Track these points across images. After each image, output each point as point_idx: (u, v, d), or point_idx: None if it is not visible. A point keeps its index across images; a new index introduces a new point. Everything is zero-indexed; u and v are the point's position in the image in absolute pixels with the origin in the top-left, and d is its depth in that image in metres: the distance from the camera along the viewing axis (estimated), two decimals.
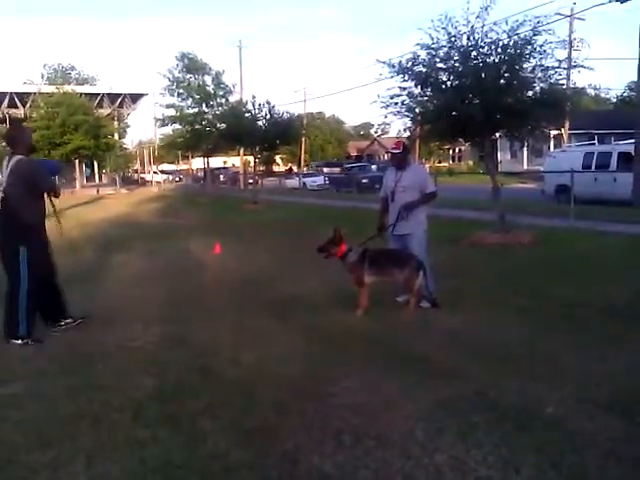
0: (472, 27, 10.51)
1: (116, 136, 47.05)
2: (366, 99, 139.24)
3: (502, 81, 10.52)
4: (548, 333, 5.32)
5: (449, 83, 10.92)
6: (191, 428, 3.58)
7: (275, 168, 57.80)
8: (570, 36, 27.84)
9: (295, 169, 62.76)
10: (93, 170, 56.99)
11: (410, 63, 10.94)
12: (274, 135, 24.28)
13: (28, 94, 48.73)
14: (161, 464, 3.15)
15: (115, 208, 24.77)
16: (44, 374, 4.68)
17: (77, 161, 42.09)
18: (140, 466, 3.14)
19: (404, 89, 11.29)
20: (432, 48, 10.71)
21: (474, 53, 10.60)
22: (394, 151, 6.63)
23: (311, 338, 5.41)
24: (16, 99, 52.58)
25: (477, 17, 10.47)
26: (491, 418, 3.54)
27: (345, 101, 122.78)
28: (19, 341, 5.46)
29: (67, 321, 5.95)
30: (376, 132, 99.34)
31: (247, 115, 24.97)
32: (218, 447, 3.33)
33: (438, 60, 10.81)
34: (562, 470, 2.94)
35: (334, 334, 5.52)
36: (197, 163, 68.55)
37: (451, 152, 63.41)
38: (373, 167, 43.19)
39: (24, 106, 50.20)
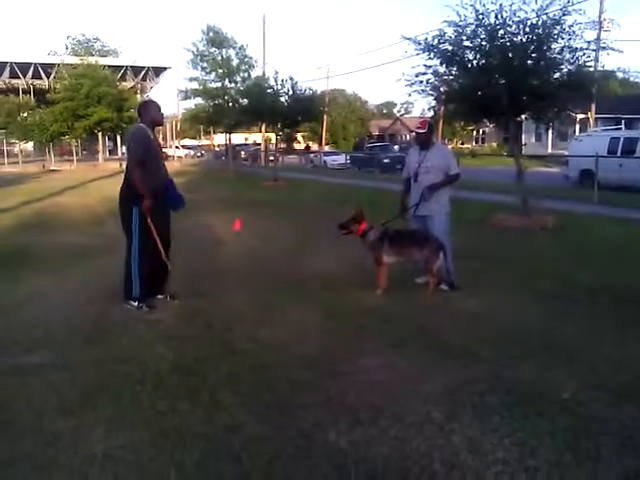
0: (500, 5, 10.33)
1: None
2: (389, 77, 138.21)
3: (529, 62, 10.34)
4: (567, 318, 5.29)
5: (475, 62, 10.75)
6: (210, 401, 3.64)
7: (296, 146, 57.71)
8: (600, 16, 27.32)
9: (314, 147, 62.56)
10: (116, 143, 57.31)
11: (436, 40, 10.78)
12: (296, 112, 24.15)
13: (52, 65, 48.92)
14: (180, 435, 3.21)
15: None
16: (67, 345, 4.78)
17: (100, 134, 42.28)
18: (159, 436, 3.21)
19: (429, 67, 11.14)
20: (459, 25, 10.53)
21: (501, 32, 10.39)
22: (419, 130, 6.52)
23: (329, 316, 5.44)
24: (40, 70, 52.83)
25: None
26: (507, 401, 3.55)
27: (368, 79, 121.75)
28: (135, 303, 5.68)
29: (159, 297, 6.02)
30: (399, 111, 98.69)
31: (269, 91, 24.85)
32: (236, 420, 3.39)
33: (465, 38, 10.63)
34: (578, 455, 2.95)
35: (352, 313, 5.54)
36: (219, 139, 68.61)
37: (475, 133, 62.68)
38: (395, 147, 42.91)
39: (48, 77, 50.43)
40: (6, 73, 53.28)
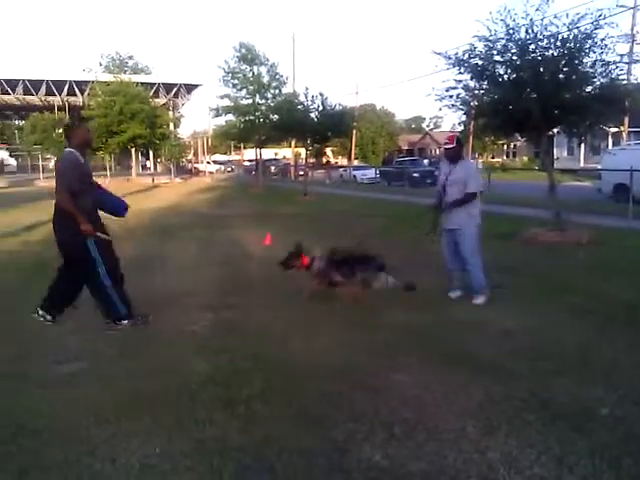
0: (531, 20, 10.28)
1: (171, 126, 47.82)
2: (419, 92, 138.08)
3: (561, 76, 10.26)
4: (603, 334, 5.21)
5: (506, 76, 10.71)
6: (245, 412, 3.68)
7: (325, 160, 57.84)
8: (632, 29, 26.97)
9: (336, 162, 62.62)
10: (148, 159, 58.19)
11: (467, 55, 10.78)
12: (326, 127, 24.32)
13: (86, 82, 49.98)
14: (218, 446, 3.25)
15: (169, 197, 25.28)
16: (103, 355, 4.88)
17: (133, 150, 42.98)
18: (197, 447, 3.25)
19: (460, 81, 11.14)
20: (489, 40, 10.52)
21: (532, 46, 10.35)
22: (447, 146, 6.59)
23: (360, 330, 5.45)
24: (75, 87, 54.01)
25: (537, 9, 10.25)
26: (544, 417, 3.51)
27: (397, 94, 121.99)
28: (125, 322, 5.62)
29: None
30: (428, 126, 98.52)
31: (300, 107, 25.06)
32: (270, 432, 3.41)
33: (495, 53, 10.61)
34: (618, 473, 2.90)
35: (383, 327, 5.53)
36: (249, 154, 69.22)
37: (505, 147, 62.12)
38: (425, 161, 42.77)
39: (82, 94, 51.52)
40: (42, 90, 54.52)
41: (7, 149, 64.80)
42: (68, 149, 5.56)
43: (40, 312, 5.74)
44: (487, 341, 5.10)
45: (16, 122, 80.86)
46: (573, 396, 3.86)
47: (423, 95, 24.36)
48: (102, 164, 48.99)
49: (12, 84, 52.87)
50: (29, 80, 52.69)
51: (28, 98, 56.00)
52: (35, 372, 4.52)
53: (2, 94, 54.45)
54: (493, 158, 60.39)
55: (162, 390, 4.06)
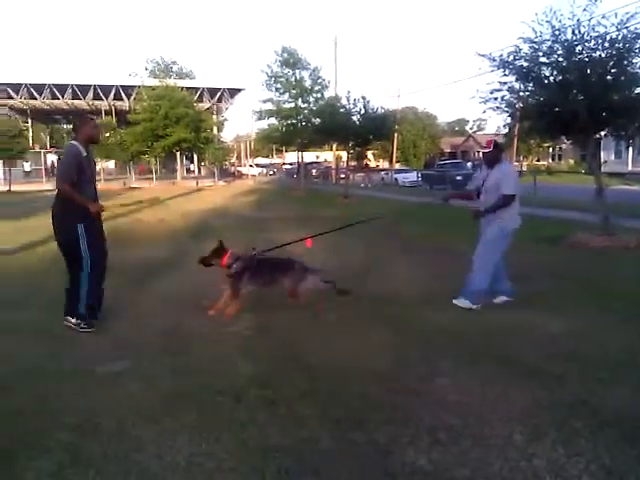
0: (578, 20, 10.09)
1: (215, 130, 48.42)
2: (462, 94, 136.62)
3: (609, 77, 10.04)
4: None
5: (552, 78, 10.54)
6: (287, 414, 3.70)
7: (364, 163, 57.73)
8: None
9: (377, 165, 62.44)
10: (193, 162, 59.04)
11: (511, 57, 10.66)
12: (368, 130, 24.33)
13: (132, 87, 51.00)
14: (260, 446, 3.29)
15: (213, 199, 25.58)
16: (149, 354, 4.98)
17: (178, 153, 43.66)
18: (241, 447, 3.29)
19: (504, 84, 11.01)
20: (535, 42, 10.37)
21: (579, 47, 10.15)
22: (484, 150, 6.52)
23: (401, 333, 5.44)
24: (121, 92, 55.17)
25: (584, 10, 10.05)
26: (592, 425, 3.43)
27: (440, 96, 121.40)
28: (74, 320, 5.63)
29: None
30: (471, 128, 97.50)
31: (342, 110, 25.11)
32: (312, 434, 3.43)
33: (541, 54, 10.46)
34: None
35: (425, 330, 5.50)
36: (290, 157, 69.63)
37: (551, 150, 60.98)
38: (468, 164, 42.30)
39: (129, 98, 52.57)
40: (90, 95, 55.85)
41: (56, 152, 66.61)
42: (72, 141, 5.70)
43: (71, 319, 5.75)
44: (532, 345, 5.02)
45: (64, 126, 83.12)
46: (622, 403, 3.76)
47: (466, 97, 24.07)
48: (148, 167, 49.98)
49: (61, 89, 54.32)
50: (77, 85, 54.05)
51: (76, 102, 57.46)
52: (80, 370, 4.63)
53: (52, 99, 55.97)
54: (538, 161, 59.39)
55: (205, 389, 4.12)
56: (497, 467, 3.03)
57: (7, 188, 38.33)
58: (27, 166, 53.16)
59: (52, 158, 59.38)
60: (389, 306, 6.43)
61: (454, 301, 6.31)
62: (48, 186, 40.53)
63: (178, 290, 7.27)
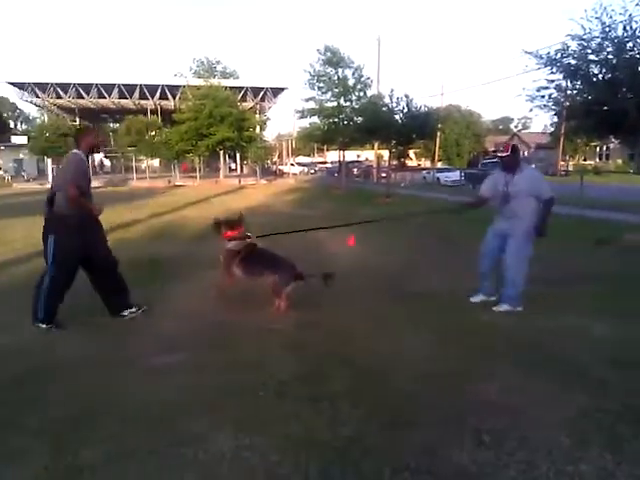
0: (630, 16, 9.86)
1: (257, 129, 48.77)
2: (507, 92, 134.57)
3: None
4: None
5: (601, 76, 10.35)
6: (330, 410, 3.74)
7: (408, 162, 57.45)
8: None
9: (418, 164, 61.89)
10: (235, 161, 59.59)
11: (559, 54, 10.49)
12: (410, 129, 24.19)
13: (178, 87, 51.74)
14: (304, 441, 3.33)
15: (255, 198, 25.81)
16: (195, 349, 5.07)
17: (221, 152, 44.13)
18: (284, 441, 3.34)
19: (552, 81, 10.86)
20: (584, 39, 10.19)
21: (630, 44, 9.92)
22: (501, 154, 6.28)
23: (446, 333, 5.41)
24: (167, 91, 55.94)
25: (637, 4, 9.82)
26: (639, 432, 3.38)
27: (484, 94, 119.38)
28: (43, 325, 5.67)
29: (132, 310, 6.18)
30: (516, 127, 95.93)
31: (384, 109, 25.03)
32: (356, 431, 3.45)
33: (590, 51, 10.27)
34: None
35: (470, 331, 5.47)
36: (331, 156, 69.66)
37: (598, 149, 59.55)
38: None
39: (174, 98, 53.33)
40: (136, 94, 56.83)
41: (103, 150, 68.17)
42: (75, 151, 5.83)
43: (126, 313, 6.09)
44: (578, 348, 4.94)
45: (111, 125, 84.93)
46: None
47: (512, 95, 23.76)
48: (192, 166, 50.68)
49: (108, 88, 55.43)
50: (124, 85, 55.09)
51: (123, 102, 58.62)
52: (129, 363, 4.75)
53: (99, 98, 57.22)
54: (585, 161, 58.10)
55: (250, 384, 4.18)
56: (543, 470, 3.01)
57: None
58: None
59: (97, 156, 60.83)
60: (435, 305, 6.41)
61: (493, 308, 6.24)
62: (95, 183, 41.53)
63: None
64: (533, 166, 6.37)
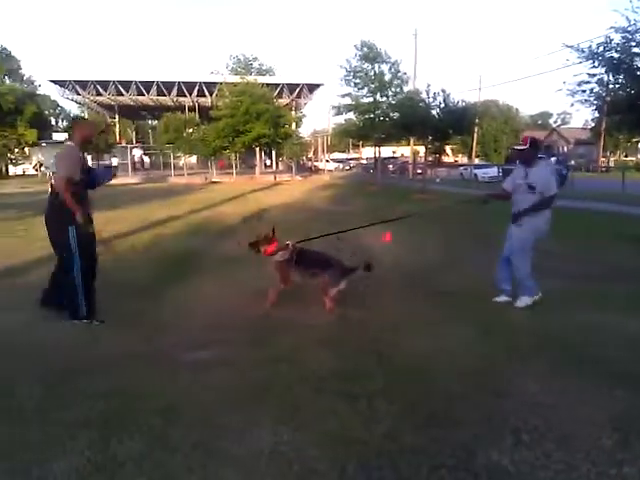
0: None
1: (293, 125, 48.87)
2: (546, 87, 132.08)
3: None
4: None
5: None
6: (367, 407, 3.73)
7: (444, 158, 56.85)
8: None
9: (455, 160, 61.20)
10: (271, 157, 59.86)
11: (601, 48, 10.25)
12: (447, 125, 23.93)
13: (215, 84, 52.18)
14: (341, 438, 3.34)
15: (291, 194, 25.89)
16: (233, 344, 5.11)
17: (257, 149, 44.36)
18: (322, 437, 3.35)
19: (593, 75, 10.62)
20: (628, 31, 9.93)
21: None
22: (518, 147, 6.31)
23: (484, 332, 5.35)
24: (204, 88, 56.47)
25: None
26: None
27: (523, 89, 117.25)
28: (85, 321, 5.73)
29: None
30: (555, 122, 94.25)
31: (421, 104, 24.83)
32: (393, 428, 3.44)
33: (634, 44, 10.00)
34: None
35: (509, 331, 5.41)
36: (366, 152, 69.38)
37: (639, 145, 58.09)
38: (552, 159, 40.91)
39: (211, 95, 53.78)
40: (174, 91, 57.50)
41: (141, 147, 69.22)
42: (70, 143, 5.87)
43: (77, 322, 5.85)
44: (615, 349, 4.84)
45: (150, 122, 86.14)
46: None
47: (551, 90, 23.33)
48: (228, 162, 51.08)
49: (147, 86, 56.21)
50: (162, 82, 55.80)
51: (161, 99, 59.38)
52: (168, 357, 4.82)
53: (138, 95, 58.07)
54: (626, 157, 56.75)
55: (288, 380, 4.20)
56: (583, 471, 2.96)
57: None
58: (115, 161, 55.48)
59: (136, 152, 61.83)
60: (470, 303, 6.36)
61: (516, 304, 6.22)
62: (134, 179, 42.26)
63: (257, 282, 7.42)
64: (552, 160, 6.29)
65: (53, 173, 5.66)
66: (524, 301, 6.21)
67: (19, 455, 3.25)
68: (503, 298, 6.44)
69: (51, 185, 5.78)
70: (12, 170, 57.82)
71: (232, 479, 2.99)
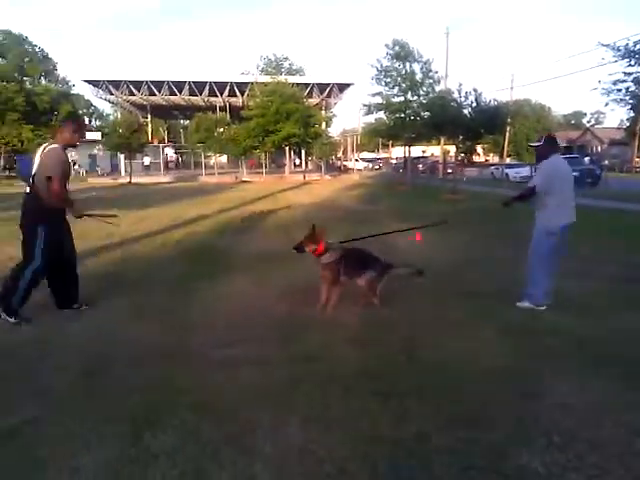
0: None
1: (323, 125, 48.82)
2: (579, 86, 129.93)
3: None
4: None
5: None
6: (398, 407, 3.72)
7: (475, 158, 56.26)
8: None
9: (486, 159, 60.42)
10: (300, 157, 59.91)
11: (638, 46, 10.06)
12: (479, 124, 23.73)
13: (245, 84, 52.40)
14: (372, 437, 3.33)
15: (320, 193, 25.94)
16: (263, 341, 5.13)
17: (287, 148, 44.45)
18: (352, 437, 3.35)
19: (629, 74, 10.45)
20: None
21: None
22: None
23: (514, 333, 5.30)
24: (235, 88, 56.78)
25: None
26: None
27: (555, 88, 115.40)
28: (12, 318, 5.74)
29: (75, 306, 6.23)
30: (589, 121, 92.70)
31: (452, 104, 24.65)
32: (424, 428, 3.43)
33: None
34: None
35: (539, 331, 5.33)
36: (396, 152, 69.11)
37: None
38: (585, 159, 40.30)
39: (242, 95, 54.05)
40: (206, 91, 57.84)
41: (173, 147, 69.91)
42: (55, 145, 5.84)
43: (76, 306, 6.18)
44: None
45: (181, 121, 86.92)
46: None
47: (585, 89, 22.99)
48: (258, 161, 51.32)
49: (179, 86, 56.67)
50: (194, 82, 56.20)
51: (193, 99, 59.82)
52: (198, 353, 4.87)
53: (170, 95, 58.63)
54: None
55: (317, 378, 4.21)
56: (616, 475, 2.91)
57: (128, 180, 40.76)
58: (147, 160, 56.15)
59: (168, 151, 62.52)
60: (499, 304, 6.28)
61: (517, 304, 6.19)
62: (166, 179, 42.77)
63: (286, 280, 7.46)
64: (559, 156, 6.21)
65: (34, 175, 5.74)
66: (525, 304, 6.17)
67: (54, 447, 3.32)
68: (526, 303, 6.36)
69: (31, 186, 5.80)
70: None
71: (262, 476, 3.01)
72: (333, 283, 6.19)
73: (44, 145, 5.95)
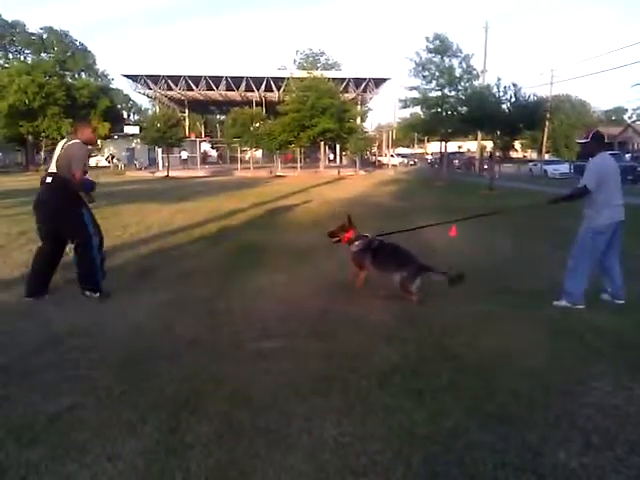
0: None
1: (358, 120, 48.67)
2: (620, 82, 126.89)
3: None
4: None
5: None
6: (433, 403, 3.71)
7: (512, 154, 55.50)
8: None
9: (524, 155, 59.43)
10: (335, 152, 59.88)
11: None
12: (518, 119, 23.39)
13: (282, 79, 52.54)
14: (406, 432, 3.33)
15: (354, 188, 25.86)
16: (297, 335, 5.16)
17: (322, 143, 44.46)
18: (386, 432, 3.35)
19: None
20: None
21: None
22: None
23: (553, 331, 5.21)
24: (272, 83, 56.97)
25: None
26: None
27: (596, 84, 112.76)
28: (97, 294, 6.34)
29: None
30: (630, 117, 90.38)
31: (491, 99, 24.34)
32: (459, 425, 3.41)
33: None
34: None
35: (579, 330, 5.22)
36: (432, 147, 68.53)
37: None
38: (626, 156, 39.41)
39: (278, 90, 54.24)
40: (242, 86, 58.14)
41: (209, 141, 70.53)
42: (77, 140, 6.29)
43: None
44: None
45: (218, 117, 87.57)
46: None
47: (626, 85, 22.45)
48: (293, 156, 51.45)
49: (216, 81, 57.08)
50: (231, 77, 56.52)
51: (229, 94, 60.21)
52: (234, 345, 4.92)
53: (207, 90, 59.13)
54: None
55: (351, 373, 4.21)
56: None
57: (165, 174, 41.31)
58: (184, 154, 56.77)
59: (204, 146, 63.09)
60: (535, 302, 6.20)
61: (554, 303, 6.08)
62: (202, 173, 43.18)
63: (320, 274, 7.49)
64: (607, 154, 6.08)
65: (57, 167, 6.19)
66: (562, 303, 6.07)
67: (93, 433, 3.39)
68: (604, 296, 6.30)
69: (53, 177, 6.21)
70: None
71: (297, 467, 3.03)
72: (360, 269, 6.58)
73: (65, 139, 6.44)
